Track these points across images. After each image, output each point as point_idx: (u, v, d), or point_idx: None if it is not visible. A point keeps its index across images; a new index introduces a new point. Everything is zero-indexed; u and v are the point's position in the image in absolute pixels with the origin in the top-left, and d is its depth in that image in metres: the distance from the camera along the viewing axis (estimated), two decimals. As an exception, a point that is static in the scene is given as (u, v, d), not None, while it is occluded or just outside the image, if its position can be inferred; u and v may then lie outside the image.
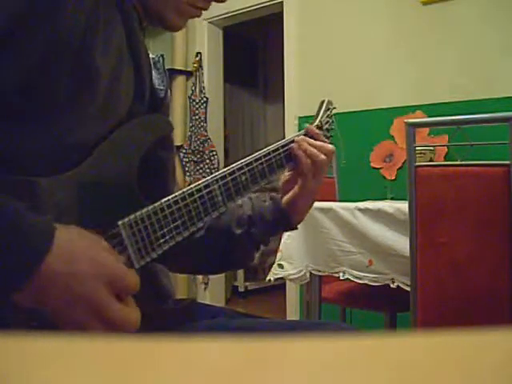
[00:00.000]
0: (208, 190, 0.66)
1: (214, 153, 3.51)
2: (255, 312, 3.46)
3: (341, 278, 1.60)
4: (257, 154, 0.73)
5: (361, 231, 1.55)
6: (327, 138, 0.89)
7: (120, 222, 0.59)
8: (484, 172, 1.24)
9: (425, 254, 1.32)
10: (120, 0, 0.64)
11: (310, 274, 1.69)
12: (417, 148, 1.40)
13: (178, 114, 3.45)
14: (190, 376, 0.14)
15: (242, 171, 0.70)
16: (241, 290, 3.95)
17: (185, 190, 0.65)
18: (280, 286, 3.04)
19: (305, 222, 1.79)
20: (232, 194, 0.69)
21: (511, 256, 1.20)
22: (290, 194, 0.82)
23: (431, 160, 2.17)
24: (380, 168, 2.61)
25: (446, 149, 2.29)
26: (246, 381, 0.14)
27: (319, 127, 0.87)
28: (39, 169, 0.55)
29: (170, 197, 0.63)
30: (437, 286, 1.32)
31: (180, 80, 3.50)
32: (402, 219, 1.45)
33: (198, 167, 3.50)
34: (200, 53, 3.57)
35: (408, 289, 1.40)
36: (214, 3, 0.74)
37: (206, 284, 3.50)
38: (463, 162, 1.31)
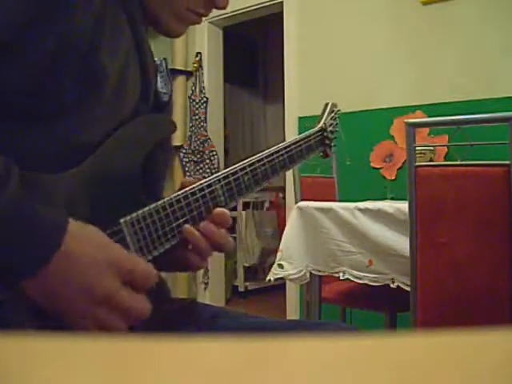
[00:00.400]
0: (210, 189, 0.67)
1: (214, 153, 3.51)
2: (255, 312, 3.46)
3: (341, 277, 1.60)
4: (259, 155, 0.74)
5: (361, 231, 1.54)
6: (330, 140, 0.89)
7: (122, 220, 0.59)
8: (484, 172, 1.24)
9: (425, 254, 1.32)
10: (125, 2, 0.64)
11: (310, 273, 1.69)
12: (417, 148, 1.40)
13: (178, 114, 3.45)
14: (190, 376, 0.14)
15: (245, 172, 0.71)
16: (241, 289, 3.95)
17: (187, 189, 0.65)
18: (280, 285, 3.04)
19: (305, 222, 1.78)
20: (234, 194, 0.70)
21: (511, 256, 1.20)
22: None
23: (431, 160, 2.17)
24: (380, 168, 2.61)
25: (445, 149, 2.29)
26: (246, 381, 0.14)
27: (323, 129, 0.88)
28: (42, 168, 0.55)
29: (172, 195, 0.63)
30: (437, 286, 1.32)
31: (180, 80, 3.50)
32: (401, 219, 1.45)
33: (197, 167, 3.50)
34: (200, 53, 3.57)
35: (408, 289, 1.40)
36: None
37: (206, 284, 3.49)
38: (463, 162, 1.31)
